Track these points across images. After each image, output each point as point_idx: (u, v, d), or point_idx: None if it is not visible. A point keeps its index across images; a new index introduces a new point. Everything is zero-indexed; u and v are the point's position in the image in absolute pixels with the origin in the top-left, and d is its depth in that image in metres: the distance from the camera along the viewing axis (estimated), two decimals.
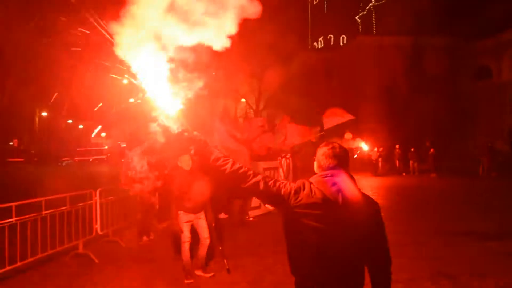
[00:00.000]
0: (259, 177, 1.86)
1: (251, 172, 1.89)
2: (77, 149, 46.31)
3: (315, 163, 1.94)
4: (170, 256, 5.47)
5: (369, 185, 14.94)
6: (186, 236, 4.41)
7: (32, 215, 4.63)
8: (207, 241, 4.53)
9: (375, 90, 26.06)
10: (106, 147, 48.32)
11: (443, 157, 19.55)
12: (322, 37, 39.98)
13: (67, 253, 5.39)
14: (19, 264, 4.43)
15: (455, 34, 27.81)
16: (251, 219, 7.93)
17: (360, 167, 20.17)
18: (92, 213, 5.78)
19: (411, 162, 18.73)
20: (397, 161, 19.41)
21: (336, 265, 1.76)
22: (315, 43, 41.01)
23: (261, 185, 1.83)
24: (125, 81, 33.80)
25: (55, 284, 4.50)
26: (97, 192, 5.91)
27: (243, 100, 31.14)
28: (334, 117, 10.04)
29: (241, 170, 1.87)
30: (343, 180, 1.79)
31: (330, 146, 1.89)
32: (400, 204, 10.16)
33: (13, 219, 4.39)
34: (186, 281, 4.39)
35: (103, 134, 50.42)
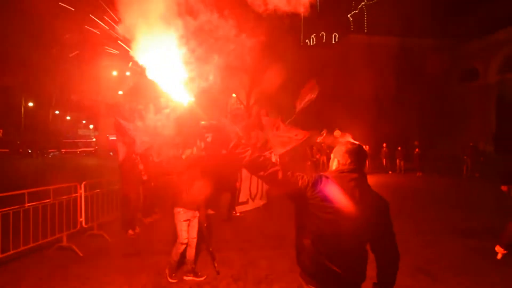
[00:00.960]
0: (277, 167, 1.91)
1: (270, 161, 1.94)
2: (64, 141, 45.59)
3: (333, 159, 2.00)
4: (155, 250, 5.48)
5: None
6: (184, 237, 4.27)
7: (14, 207, 4.57)
8: (195, 241, 4.42)
9: (365, 89, 26.27)
10: (94, 139, 47.72)
11: (429, 156, 19.90)
12: (314, 34, 40.09)
13: (51, 246, 5.35)
14: (1, 256, 4.37)
15: (443, 35, 28.21)
16: (238, 214, 7.96)
17: None
18: (76, 206, 5.73)
19: (397, 160, 18.99)
20: (384, 160, 19.67)
21: (344, 256, 1.84)
22: (307, 40, 41.09)
23: (280, 174, 1.88)
24: (114, 73, 33.31)
25: (37, 276, 4.46)
26: (82, 185, 5.85)
27: (233, 95, 31.06)
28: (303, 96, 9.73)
29: (261, 159, 1.91)
30: (359, 177, 1.89)
31: (355, 145, 1.97)
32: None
33: None
34: (170, 280, 4.33)
35: (91, 126, 49.67)
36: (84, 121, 55.16)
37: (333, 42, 37.38)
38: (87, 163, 24.06)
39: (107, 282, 4.37)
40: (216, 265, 4.63)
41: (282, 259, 5.07)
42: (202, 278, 4.42)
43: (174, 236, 4.39)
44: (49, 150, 39.00)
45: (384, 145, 19.79)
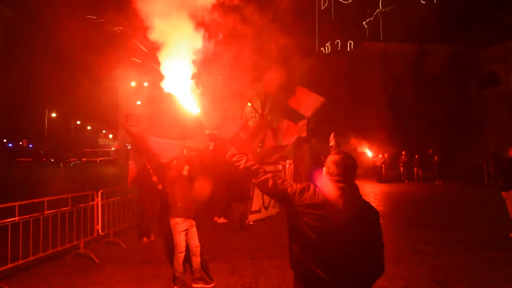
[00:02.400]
0: (269, 175, 2.03)
1: (262, 169, 2.06)
2: (85, 150, 46.92)
3: (324, 169, 2.06)
4: (169, 258, 5.56)
5: (372, 192, 14.89)
6: (182, 246, 4.34)
7: (34, 214, 4.75)
8: (199, 250, 4.44)
9: (381, 96, 25.97)
10: (113, 148, 48.88)
11: (449, 165, 19.40)
12: (329, 42, 40.06)
13: (69, 253, 5.52)
14: (21, 262, 4.54)
15: (462, 41, 27.65)
16: (251, 223, 7.98)
17: (364, 174, 20.13)
18: (93, 214, 5.91)
19: (415, 169, 18.60)
20: (401, 168, 19.31)
21: (333, 264, 1.86)
22: (322, 48, 41.08)
23: (270, 182, 2.00)
24: (132, 83, 34.15)
25: (55, 283, 4.60)
26: (99, 194, 6.03)
27: (249, 104, 31.28)
28: (307, 102, 9.58)
29: (254, 167, 2.05)
30: (346, 187, 1.92)
31: (341, 155, 2.01)
32: (401, 212, 10.13)
33: (16, 218, 4.51)
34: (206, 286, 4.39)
35: (110, 136, 50.94)
36: (104, 131, 56.65)
37: (348, 49, 37.22)
38: (106, 172, 24.66)
39: None
40: (208, 273, 4.58)
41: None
42: (212, 285, 4.46)
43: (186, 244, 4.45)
44: (71, 159, 40.15)
45: (403, 153, 19.45)
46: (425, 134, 24.77)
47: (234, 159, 2.07)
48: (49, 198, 5.14)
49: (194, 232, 4.45)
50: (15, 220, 4.51)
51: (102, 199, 6.07)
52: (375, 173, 19.02)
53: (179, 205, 4.31)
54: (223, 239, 6.87)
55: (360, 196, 1.98)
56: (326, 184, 1.95)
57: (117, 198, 6.47)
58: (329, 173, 2.00)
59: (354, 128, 21.00)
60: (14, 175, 23.12)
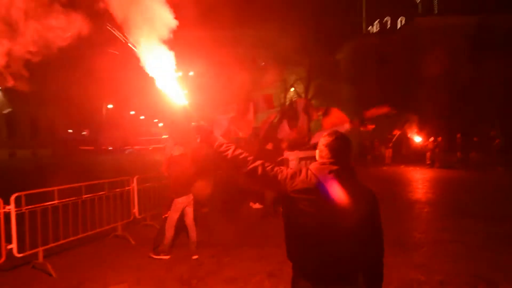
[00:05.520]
0: (258, 163, 1.96)
1: (251, 158, 1.99)
2: (139, 138, 49.84)
3: (317, 151, 1.97)
4: (199, 241, 5.70)
5: (421, 178, 13.97)
6: (176, 219, 5.03)
7: (72, 198, 5.11)
8: (194, 225, 5.19)
9: (434, 76, 23.92)
10: (164, 136, 51.32)
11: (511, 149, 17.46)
12: (377, 20, 37.68)
13: (108, 235, 5.89)
14: (62, 241, 4.92)
15: None
16: None
17: (414, 158, 18.94)
18: (130, 198, 6.22)
19: (473, 153, 17.02)
20: (458, 153, 17.77)
21: (329, 251, 1.78)
22: (370, 27, 38.83)
23: (260, 170, 1.92)
24: (179, 74, 35.49)
25: (95, 262, 4.94)
26: (134, 179, 6.32)
27: (292, 89, 30.77)
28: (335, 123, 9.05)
29: (242, 156, 1.97)
30: (340, 170, 1.82)
31: (333, 137, 1.91)
32: (450, 200, 9.37)
33: (56, 201, 4.87)
34: (164, 257, 4.96)
35: (160, 125, 53.53)
36: (156, 120, 59.57)
37: (398, 27, 34.76)
38: (155, 159, 26.00)
39: (150, 269, 4.67)
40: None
41: None
42: (197, 256, 5.01)
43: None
44: (125, 147, 42.94)
45: (458, 136, 17.89)
46: (486, 115, 22.48)
47: (221, 149, 1.99)
48: (87, 183, 5.48)
49: (190, 209, 5.17)
50: (55, 203, 4.87)
51: (138, 185, 6.36)
52: (427, 158, 17.78)
53: (182, 184, 4.93)
54: (253, 225, 6.88)
55: (356, 178, 1.86)
56: (318, 167, 1.85)
57: (152, 183, 6.72)
58: (321, 156, 1.91)
59: (406, 110, 19.61)
60: (77, 161, 25.33)
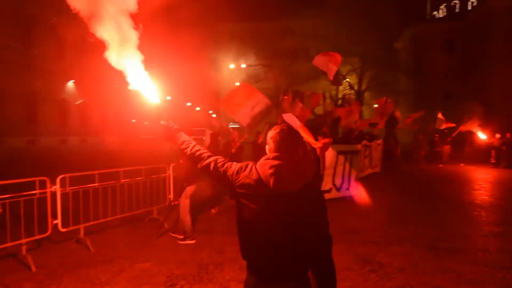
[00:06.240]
0: (211, 159, 2.00)
1: (206, 154, 2.03)
2: (194, 128, 52.17)
3: (266, 146, 1.92)
4: (224, 230, 5.87)
5: (482, 178, 12.73)
6: (188, 205, 5.37)
7: (111, 182, 5.57)
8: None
9: (509, 65, 21.35)
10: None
11: None
12: (444, 4, 34.53)
13: (144, 217, 6.33)
14: (101, 220, 5.41)
15: None
16: None
17: (477, 157, 17.28)
18: (166, 184, 6.59)
19: None
20: None
21: (271, 247, 1.74)
22: (435, 12, 35.75)
23: (212, 165, 1.96)
24: (231, 66, 36.17)
25: (127, 241, 5.35)
26: (171, 167, 6.67)
27: (346, 80, 29.66)
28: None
29: (198, 153, 2.04)
30: (284, 164, 1.74)
31: (278, 130, 1.86)
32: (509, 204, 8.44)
33: (96, 184, 5.35)
34: (190, 242, 5.25)
35: (214, 115, 55.28)
36: (210, 111, 61.70)
37: (468, 9, 31.53)
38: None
39: (175, 251, 4.95)
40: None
41: (347, 254, 4.77)
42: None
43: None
44: None
45: None
46: None
47: (183, 146, 2.07)
48: (125, 169, 5.92)
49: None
50: (95, 186, 5.35)
51: (173, 172, 6.71)
52: (492, 156, 16.08)
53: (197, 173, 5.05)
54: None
55: (303, 173, 1.74)
56: (261, 162, 1.80)
57: None
58: (269, 150, 1.87)
59: (471, 104, 17.89)
60: (138, 149, 27.38)
